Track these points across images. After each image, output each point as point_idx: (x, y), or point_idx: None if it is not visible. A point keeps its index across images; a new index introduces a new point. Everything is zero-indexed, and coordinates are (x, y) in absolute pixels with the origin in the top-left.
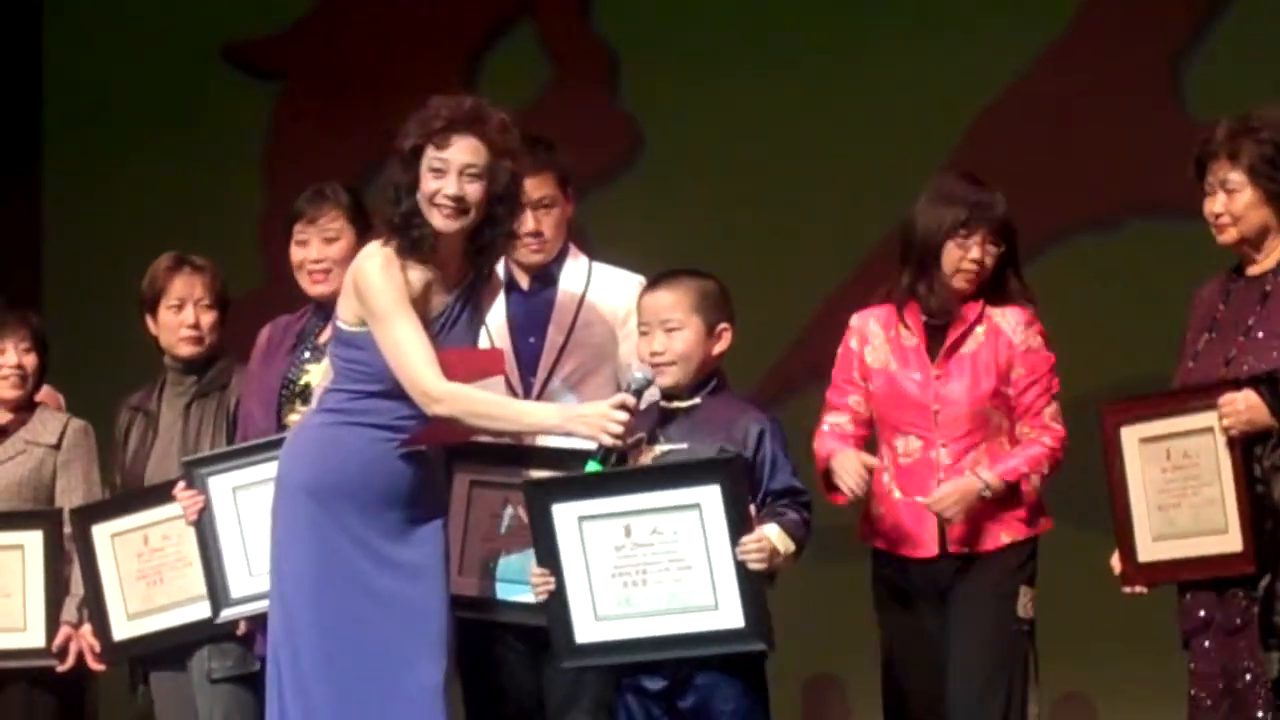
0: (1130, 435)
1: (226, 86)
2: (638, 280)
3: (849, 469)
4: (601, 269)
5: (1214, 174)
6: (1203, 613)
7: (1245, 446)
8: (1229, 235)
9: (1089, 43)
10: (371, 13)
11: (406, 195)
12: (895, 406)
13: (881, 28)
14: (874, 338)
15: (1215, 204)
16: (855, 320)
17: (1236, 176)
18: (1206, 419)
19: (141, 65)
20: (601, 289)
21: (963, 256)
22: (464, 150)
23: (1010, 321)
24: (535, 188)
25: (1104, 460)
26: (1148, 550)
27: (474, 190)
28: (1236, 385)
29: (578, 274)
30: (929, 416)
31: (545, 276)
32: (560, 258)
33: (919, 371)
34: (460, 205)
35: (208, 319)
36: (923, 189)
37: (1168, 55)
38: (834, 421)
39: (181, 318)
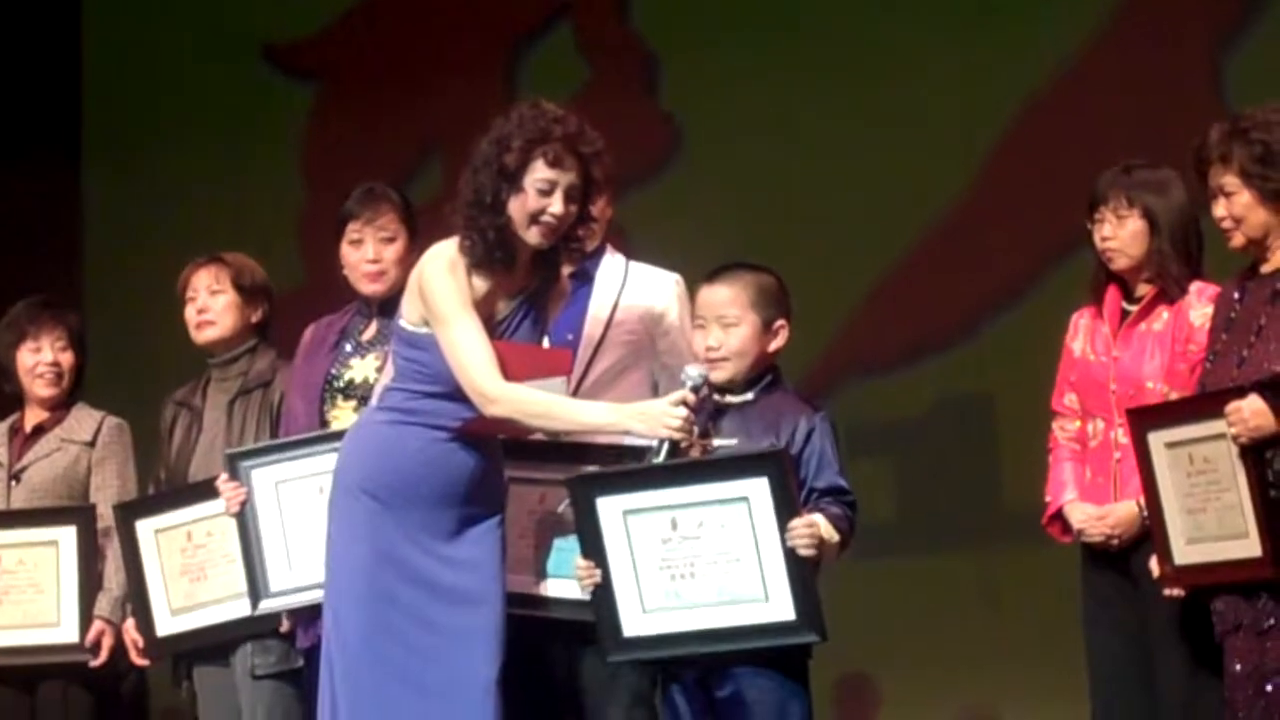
0: (1156, 440)
1: (266, 85)
2: (674, 278)
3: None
4: (638, 267)
5: (1212, 179)
6: (1233, 616)
7: (1257, 452)
8: (1236, 239)
9: (1130, 38)
10: (409, 13)
11: (501, 206)
12: None
13: (921, 25)
14: None
15: (1218, 208)
16: None
17: (1231, 180)
18: (1220, 425)
19: (181, 64)
20: (638, 287)
21: None
22: (573, 171)
23: None
24: None
25: (1136, 464)
26: (1182, 553)
27: (573, 210)
28: (1242, 392)
29: (614, 272)
30: None
31: (582, 274)
32: (597, 256)
33: None
34: (561, 224)
35: (217, 304)
36: (962, 186)
37: (1210, 49)
38: None
39: (192, 308)
